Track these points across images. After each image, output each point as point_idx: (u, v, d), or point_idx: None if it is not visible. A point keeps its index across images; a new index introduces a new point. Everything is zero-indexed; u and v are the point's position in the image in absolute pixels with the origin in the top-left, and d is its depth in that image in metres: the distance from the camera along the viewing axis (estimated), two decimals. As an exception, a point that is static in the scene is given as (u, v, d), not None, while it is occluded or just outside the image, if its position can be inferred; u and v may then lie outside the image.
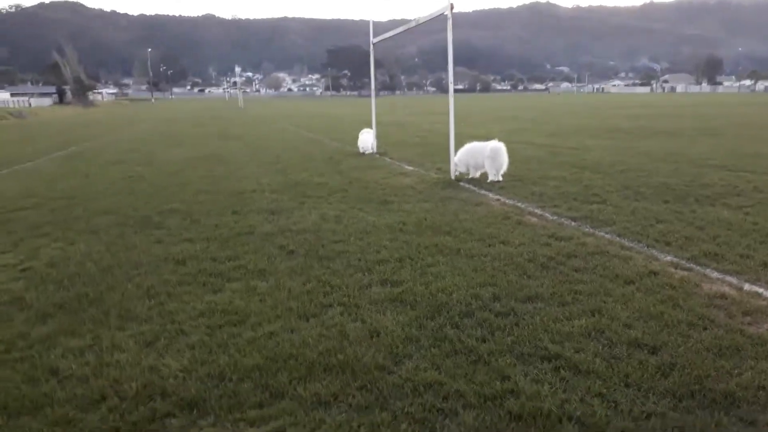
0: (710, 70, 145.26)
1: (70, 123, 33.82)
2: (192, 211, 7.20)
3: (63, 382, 2.97)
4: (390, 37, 13.06)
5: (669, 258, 4.78)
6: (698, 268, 4.53)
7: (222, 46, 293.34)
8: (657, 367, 2.94)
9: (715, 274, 4.37)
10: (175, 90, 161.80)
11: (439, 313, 3.72)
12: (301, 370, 3.00)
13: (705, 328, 3.39)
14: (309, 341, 3.34)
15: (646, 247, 5.12)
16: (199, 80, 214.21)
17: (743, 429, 2.48)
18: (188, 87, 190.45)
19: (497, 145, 8.96)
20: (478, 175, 9.32)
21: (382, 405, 2.69)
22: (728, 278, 4.27)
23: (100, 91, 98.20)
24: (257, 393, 2.81)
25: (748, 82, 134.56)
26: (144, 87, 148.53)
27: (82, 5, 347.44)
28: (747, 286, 4.09)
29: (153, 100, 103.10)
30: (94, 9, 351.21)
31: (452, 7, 8.84)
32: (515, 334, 3.36)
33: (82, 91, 73.81)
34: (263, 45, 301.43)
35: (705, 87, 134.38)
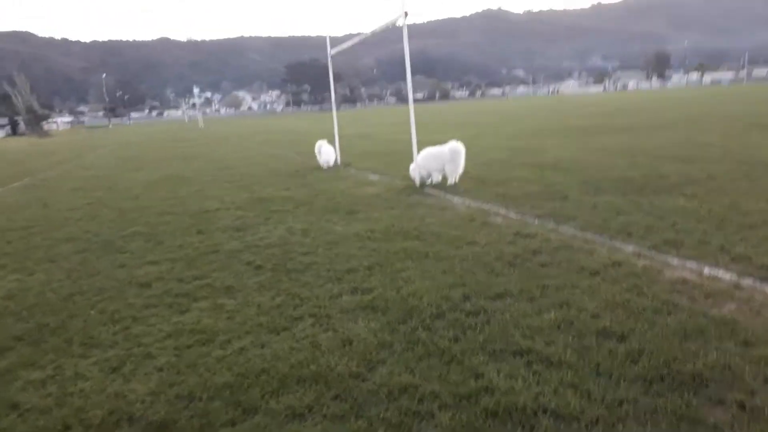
0: (659, 65, 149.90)
1: (25, 154, 32.83)
2: (156, 232, 7.05)
3: (24, 415, 2.85)
4: (347, 48, 13.09)
5: (631, 248, 4.88)
6: (660, 256, 4.64)
7: (179, 69, 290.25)
8: (626, 355, 3.00)
9: (675, 261, 4.48)
10: (133, 115, 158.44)
11: (411, 317, 3.71)
12: (274, 384, 2.95)
13: (669, 313, 3.47)
14: (280, 355, 3.29)
15: (608, 239, 5.22)
16: (157, 104, 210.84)
17: (712, 408, 2.53)
18: (146, 111, 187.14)
19: (456, 146, 9.05)
20: (440, 178, 9.37)
21: (358, 413, 2.66)
22: (688, 264, 4.39)
23: (55, 120, 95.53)
24: (229, 410, 2.75)
25: (695, 75, 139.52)
26: (100, 113, 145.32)
27: (31, 34, 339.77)
28: (707, 270, 4.21)
29: (110, 126, 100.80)
30: (44, 37, 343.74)
31: (406, 15, 8.88)
32: (486, 332, 3.38)
33: (35, 122, 71.68)
34: (221, 65, 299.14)
35: (655, 82, 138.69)
